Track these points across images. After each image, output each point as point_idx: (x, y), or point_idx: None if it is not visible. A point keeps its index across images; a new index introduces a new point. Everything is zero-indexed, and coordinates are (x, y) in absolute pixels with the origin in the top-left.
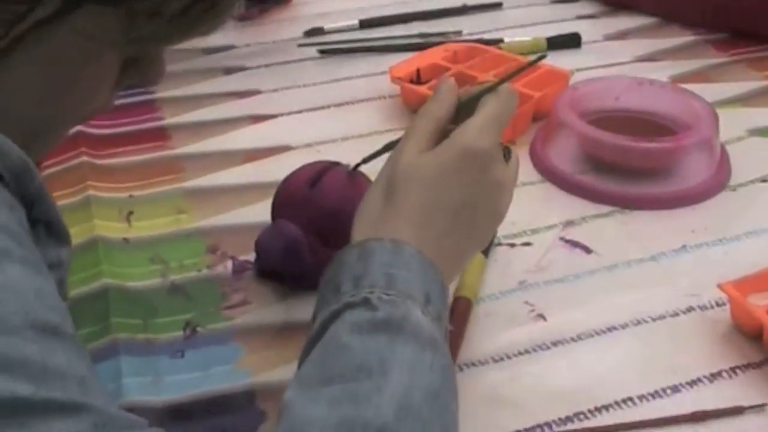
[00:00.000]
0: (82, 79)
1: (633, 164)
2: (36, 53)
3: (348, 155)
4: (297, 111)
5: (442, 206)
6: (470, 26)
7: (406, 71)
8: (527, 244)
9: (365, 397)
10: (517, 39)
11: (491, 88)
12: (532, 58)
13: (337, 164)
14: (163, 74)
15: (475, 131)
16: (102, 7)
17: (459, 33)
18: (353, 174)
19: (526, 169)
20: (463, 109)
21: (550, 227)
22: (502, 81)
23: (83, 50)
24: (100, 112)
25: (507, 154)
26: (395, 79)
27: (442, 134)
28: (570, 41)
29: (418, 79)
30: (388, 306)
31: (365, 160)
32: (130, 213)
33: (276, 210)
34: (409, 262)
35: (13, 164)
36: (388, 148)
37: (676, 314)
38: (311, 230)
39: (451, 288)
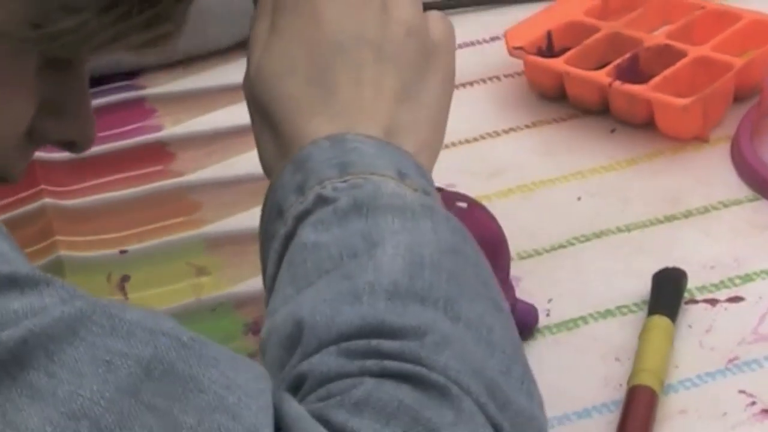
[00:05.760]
0: None
1: None
2: None
3: (451, 172)
4: None
5: (335, 70)
6: None
7: (531, 36)
8: (737, 299)
9: (360, 269)
10: None
11: None
12: None
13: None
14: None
15: None
16: None
17: None
18: (472, 208)
19: (726, 179)
20: None
21: None
22: None
23: None
24: (6, 177)
25: None
26: (515, 50)
27: None
28: None
29: (549, 47)
30: (349, 190)
31: None
32: (126, 278)
33: None
34: (357, 147)
35: None
36: None
37: None
38: None
39: (618, 367)
